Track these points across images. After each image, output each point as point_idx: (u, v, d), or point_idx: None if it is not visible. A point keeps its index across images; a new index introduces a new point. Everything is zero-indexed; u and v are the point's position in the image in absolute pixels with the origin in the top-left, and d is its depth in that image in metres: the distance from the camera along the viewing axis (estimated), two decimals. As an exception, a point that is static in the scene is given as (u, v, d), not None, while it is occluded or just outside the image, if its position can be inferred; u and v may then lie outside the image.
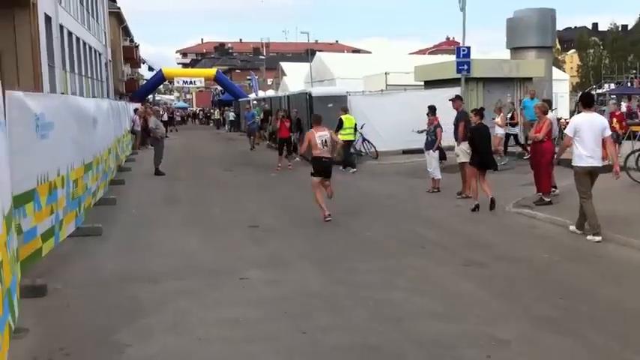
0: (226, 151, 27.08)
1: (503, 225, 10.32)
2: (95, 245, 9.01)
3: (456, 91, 20.37)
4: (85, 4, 34.57)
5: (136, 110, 28.27)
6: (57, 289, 6.78)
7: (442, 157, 14.59)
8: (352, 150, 20.03)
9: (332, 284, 7.06)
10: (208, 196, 14.07)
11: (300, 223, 10.73)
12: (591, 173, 9.10)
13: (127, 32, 60.18)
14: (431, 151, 14.04)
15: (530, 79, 21.63)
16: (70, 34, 28.70)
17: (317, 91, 21.81)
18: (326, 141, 11.39)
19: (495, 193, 13.11)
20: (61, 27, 26.25)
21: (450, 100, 14.50)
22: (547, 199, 11.73)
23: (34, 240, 7.08)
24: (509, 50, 24.69)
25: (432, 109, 14.40)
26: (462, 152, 13.27)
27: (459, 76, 20.54)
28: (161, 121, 39.99)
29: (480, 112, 12.49)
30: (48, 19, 23.64)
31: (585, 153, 8.97)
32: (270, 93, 51.03)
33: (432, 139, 14.06)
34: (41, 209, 7.39)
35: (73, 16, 29.88)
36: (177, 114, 64.61)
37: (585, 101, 9.62)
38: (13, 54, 20.41)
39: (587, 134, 8.99)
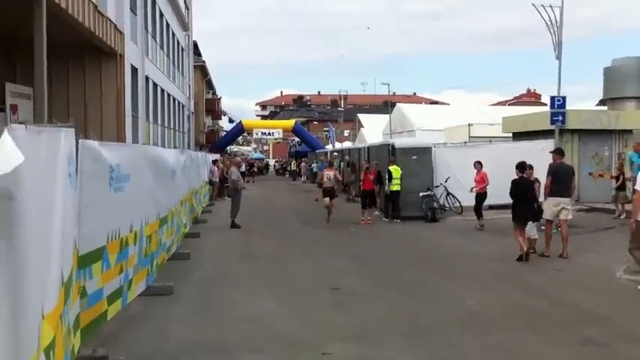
0: (304, 203, 26.51)
1: (615, 294, 9.09)
2: (165, 306, 8.36)
3: (549, 143, 19.26)
4: (171, 57, 35.39)
5: (215, 161, 28.26)
6: (120, 361, 6.10)
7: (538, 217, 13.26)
8: (435, 204, 19.11)
9: (429, 364, 6.12)
10: (286, 253, 13.35)
11: (385, 286, 9.82)
12: None
13: (209, 85, 61.74)
14: None
15: (630, 131, 20.14)
16: (155, 85, 29.21)
17: (400, 142, 21.04)
18: (330, 178, 19.05)
19: (604, 255, 11.93)
20: (147, 78, 26.69)
21: (550, 152, 13.64)
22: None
23: (99, 303, 6.48)
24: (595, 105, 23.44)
25: (528, 166, 13.36)
26: (545, 208, 12.52)
27: (552, 127, 19.40)
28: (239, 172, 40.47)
29: (521, 165, 12.38)
30: (134, 70, 24.04)
31: None
32: (347, 144, 50.76)
33: None
34: (110, 268, 6.80)
35: (159, 69, 30.48)
36: (255, 165, 65.20)
37: None
38: (98, 104, 20.69)
39: None
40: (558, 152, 13.28)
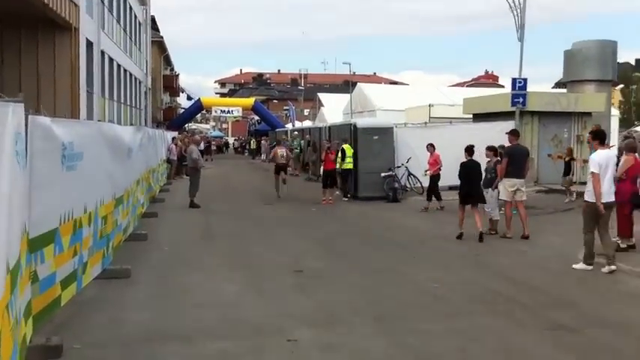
0: (264, 183, 26.17)
1: (580, 277, 9.09)
2: (122, 290, 8.03)
3: (509, 124, 19.32)
4: (128, 31, 34.42)
5: (173, 139, 27.69)
6: (74, 350, 5.78)
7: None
8: (396, 185, 19.04)
9: (397, 350, 5.96)
10: (247, 233, 13.08)
11: (349, 268, 9.65)
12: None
13: (167, 61, 60.53)
14: (490, 189, 12.94)
15: (589, 113, 20.37)
16: (111, 60, 28.38)
17: (362, 122, 20.82)
18: (283, 154, 20.32)
19: (565, 237, 11.99)
20: (103, 53, 25.90)
21: (506, 133, 13.61)
22: (623, 246, 10.57)
23: (52, 288, 6.14)
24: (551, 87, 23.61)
25: (491, 147, 13.36)
26: (502, 190, 12.67)
27: (512, 109, 19.45)
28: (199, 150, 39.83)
29: (469, 149, 12.84)
30: (90, 44, 23.26)
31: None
32: (308, 123, 50.44)
33: (492, 177, 12.96)
34: (63, 251, 6.46)
35: (115, 43, 29.60)
36: (214, 143, 64.38)
37: (598, 136, 9.88)
38: (51, 78, 19.97)
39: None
40: (514, 134, 13.40)
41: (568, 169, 17.62)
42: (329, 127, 25.92)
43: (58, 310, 6.35)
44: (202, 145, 44.90)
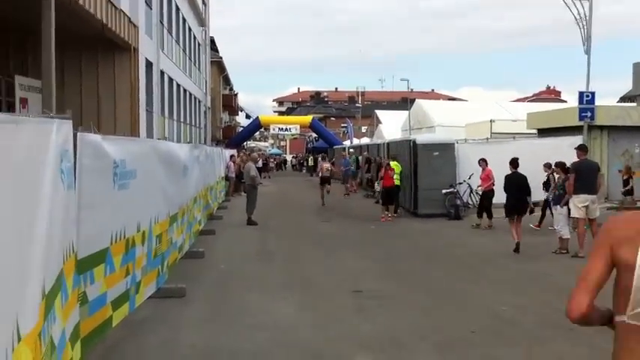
0: (321, 200, 25.87)
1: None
2: (176, 310, 7.80)
3: (577, 139, 18.49)
4: (187, 52, 34.93)
5: (232, 157, 27.77)
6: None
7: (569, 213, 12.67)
8: (458, 202, 18.45)
9: (465, 381, 5.50)
10: (304, 251, 12.78)
11: (410, 289, 9.20)
12: None
13: (226, 81, 61.38)
14: (558, 206, 12.31)
15: (661, 127, 19.33)
16: (170, 80, 28.73)
17: (422, 138, 20.33)
18: (328, 168, 23.87)
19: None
20: (162, 73, 26.22)
21: (575, 148, 13.00)
22: None
23: (102, 309, 5.94)
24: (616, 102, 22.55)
25: (560, 164, 12.75)
26: (573, 207, 12.08)
27: (580, 123, 18.63)
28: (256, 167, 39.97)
29: (514, 161, 13.25)
30: (149, 64, 23.57)
31: None
32: (365, 140, 50.13)
33: (561, 193, 12.33)
34: (114, 271, 6.26)
35: (175, 63, 30.00)
36: (272, 160, 64.72)
37: None
38: (111, 98, 20.23)
39: None
40: (581, 149, 12.80)
41: (629, 189, 16.49)
42: (387, 144, 25.49)
43: (110, 332, 6.15)
44: (260, 163, 45.17)
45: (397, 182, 19.05)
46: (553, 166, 12.92)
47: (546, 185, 15.45)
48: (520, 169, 16.25)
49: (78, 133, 5.37)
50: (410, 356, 6.14)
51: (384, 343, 6.58)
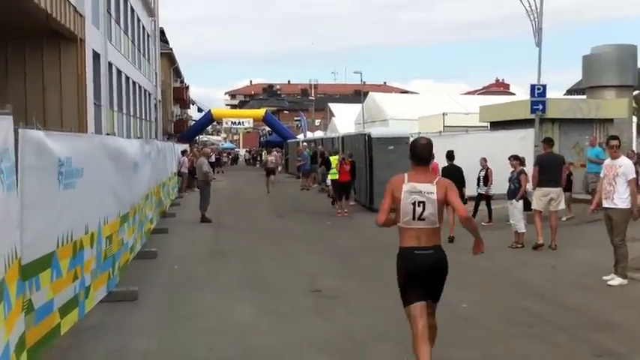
0: (276, 195, 25.65)
1: (617, 295, 8.44)
2: (127, 315, 7.47)
3: (529, 132, 18.72)
4: (136, 43, 34.07)
5: (184, 152, 27.23)
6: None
7: (527, 207, 12.72)
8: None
9: (429, 385, 5.35)
10: (260, 249, 12.52)
11: (369, 287, 9.05)
12: None
13: (177, 73, 60.34)
14: (514, 200, 12.35)
15: (611, 120, 19.67)
16: (119, 72, 27.96)
17: (377, 132, 20.22)
18: (272, 160, 27.52)
19: (595, 250, 11.35)
20: (110, 64, 25.47)
21: (542, 141, 13.25)
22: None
23: (49, 317, 5.60)
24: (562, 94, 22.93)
25: (514, 157, 12.79)
26: (535, 198, 12.23)
27: (531, 116, 18.82)
28: (210, 163, 39.40)
29: (450, 154, 14.37)
30: (96, 55, 22.85)
31: None
32: (319, 134, 49.98)
33: (516, 187, 12.37)
34: (61, 276, 5.92)
35: (123, 55, 29.21)
36: (225, 155, 64.01)
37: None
38: (57, 91, 19.54)
39: None
40: (547, 142, 12.87)
41: (569, 186, 16.32)
42: (342, 138, 25.36)
43: (57, 341, 5.80)
44: (213, 157, 44.61)
45: (335, 176, 19.60)
46: (509, 158, 12.89)
47: (485, 180, 15.49)
48: (474, 163, 16.42)
49: (19, 130, 5.02)
50: (371, 357, 5.98)
51: (345, 345, 6.41)
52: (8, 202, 4.36)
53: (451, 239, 12.31)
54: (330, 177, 21.17)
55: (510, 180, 12.59)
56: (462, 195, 12.42)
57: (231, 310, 7.76)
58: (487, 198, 15.56)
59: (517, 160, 12.72)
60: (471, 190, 15.40)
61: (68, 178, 6.06)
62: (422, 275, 5.22)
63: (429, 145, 5.11)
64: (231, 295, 8.55)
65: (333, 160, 20.46)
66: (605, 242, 11.61)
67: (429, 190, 4.93)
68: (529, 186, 12.65)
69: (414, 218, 4.96)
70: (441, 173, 13.13)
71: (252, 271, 10.30)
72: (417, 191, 4.92)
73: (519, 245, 12.16)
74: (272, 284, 9.28)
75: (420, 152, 5.06)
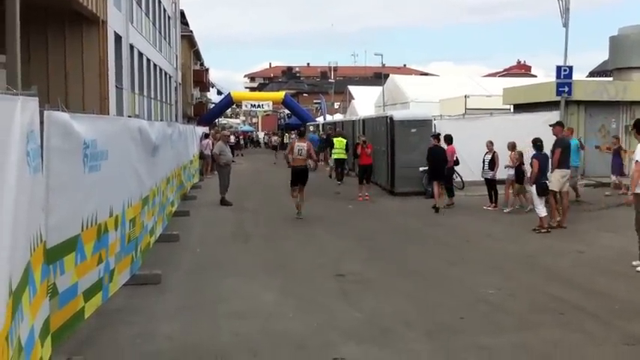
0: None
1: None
2: (151, 298, 7.45)
3: (554, 115, 18.40)
4: (157, 25, 34.00)
5: (207, 135, 27.19)
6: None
7: (541, 192, 12.19)
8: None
9: (458, 372, 5.27)
10: (282, 233, 12.46)
11: (394, 271, 8.97)
12: None
13: (197, 56, 60.23)
14: (527, 185, 12.20)
15: (638, 102, 19.29)
16: (140, 54, 27.92)
17: (399, 114, 19.98)
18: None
19: (623, 235, 11.14)
20: (132, 47, 25.42)
21: (550, 125, 13.15)
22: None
23: (73, 300, 5.57)
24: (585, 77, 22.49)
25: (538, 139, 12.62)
26: (554, 180, 12.34)
27: (556, 98, 18.52)
28: (229, 145, 39.39)
29: (436, 136, 16.03)
30: (118, 38, 22.80)
31: None
32: (339, 117, 49.74)
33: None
34: (85, 260, 5.88)
35: (144, 37, 29.15)
36: (247, 137, 63.94)
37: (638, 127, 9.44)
38: (79, 74, 19.54)
39: None
40: (561, 125, 13.15)
41: (521, 178, 14.94)
42: (363, 120, 25.15)
43: (82, 325, 5.78)
44: (232, 140, 44.60)
45: (343, 156, 22.77)
46: (531, 142, 12.69)
47: (490, 164, 15.25)
48: (497, 146, 16.15)
49: (45, 112, 4.96)
50: (398, 345, 5.89)
51: (371, 330, 6.32)
52: (34, 184, 4.29)
53: (436, 209, 14.71)
54: (334, 156, 23.50)
55: (531, 164, 12.43)
56: (442, 173, 15.36)
57: (255, 295, 7.70)
58: (492, 182, 15.26)
59: (540, 143, 12.53)
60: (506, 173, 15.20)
61: (93, 160, 6.01)
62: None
63: None
64: (255, 279, 8.50)
65: (337, 141, 22.97)
66: (631, 227, 11.41)
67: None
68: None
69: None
70: (427, 153, 15.61)
71: (275, 255, 10.24)
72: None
73: (544, 230, 11.96)
74: (296, 268, 9.21)
75: None
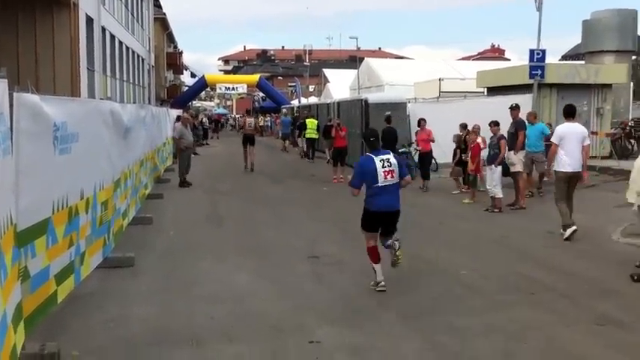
0: (271, 161, 25.53)
1: (618, 261, 8.38)
2: (125, 281, 7.41)
3: (527, 98, 18.54)
4: (129, 7, 33.46)
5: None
6: (73, 357, 5.16)
7: (505, 172, 12.76)
8: (411, 162, 18.31)
9: (433, 353, 5.32)
10: (256, 215, 12.44)
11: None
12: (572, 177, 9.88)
13: (170, 38, 59.48)
14: (493, 166, 12.35)
15: (609, 85, 19.53)
16: (112, 37, 27.49)
17: (374, 97, 20.05)
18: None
19: (592, 215, 11.36)
20: (104, 29, 25.03)
21: (509, 108, 13.58)
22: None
23: (45, 284, 5.50)
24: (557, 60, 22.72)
25: (494, 122, 12.75)
26: (519, 161, 12.89)
27: (529, 82, 18.66)
28: (203, 128, 39.02)
29: (388, 118, 16.53)
30: (90, 20, 22.40)
31: (568, 160, 9.70)
32: (314, 100, 49.64)
33: (495, 153, 12.35)
34: (57, 242, 5.81)
35: (116, 19, 28.70)
36: (224, 119, 63.52)
37: (567, 111, 10.28)
38: (50, 56, 19.18)
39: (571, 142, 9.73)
40: (518, 108, 13.62)
41: (460, 161, 15.22)
42: (338, 103, 25.14)
43: (55, 309, 5.73)
44: (207, 123, 44.26)
45: (315, 136, 25.34)
46: (489, 124, 12.80)
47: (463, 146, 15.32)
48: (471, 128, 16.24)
49: (14, 94, 4.87)
50: (372, 326, 5.93)
51: (345, 312, 6.36)
52: (3, 167, 4.23)
53: None
54: (306, 136, 25.77)
55: (490, 146, 12.59)
56: (395, 149, 14.64)
57: (229, 277, 7.70)
58: (466, 164, 15.27)
59: (497, 125, 12.63)
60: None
61: (63, 142, 5.91)
62: None
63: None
64: (229, 262, 8.49)
65: (309, 122, 25.74)
66: (601, 208, 11.65)
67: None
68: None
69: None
70: (381, 134, 14.32)
71: (249, 238, 10.23)
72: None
73: (497, 210, 12.20)
74: (270, 250, 9.22)
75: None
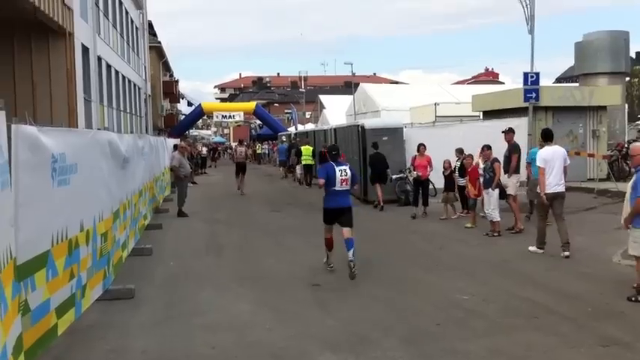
0: (269, 189, 25.53)
1: (620, 283, 8.36)
2: (125, 313, 7.35)
3: (522, 121, 18.63)
4: (125, 36, 33.68)
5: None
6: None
7: (502, 196, 12.73)
8: (408, 187, 18.31)
9: (436, 379, 5.28)
10: (256, 243, 12.40)
11: (370, 280, 8.96)
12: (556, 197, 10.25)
13: (166, 67, 59.86)
14: (490, 189, 12.34)
15: (604, 107, 19.64)
16: (108, 66, 27.63)
17: (370, 123, 20.08)
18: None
19: (593, 238, 11.36)
20: (100, 59, 25.14)
21: (503, 132, 13.55)
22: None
23: (45, 317, 5.47)
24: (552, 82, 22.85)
25: (486, 146, 12.77)
26: (512, 185, 13.01)
27: (524, 105, 18.76)
28: (200, 157, 39.03)
29: (375, 144, 17.50)
30: (85, 50, 22.53)
31: (553, 180, 10.12)
32: (310, 126, 49.81)
33: (490, 177, 12.35)
34: (57, 275, 5.79)
35: (112, 49, 28.86)
36: (222, 148, 63.62)
37: (547, 134, 10.74)
38: (47, 86, 19.24)
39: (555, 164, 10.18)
40: (513, 132, 13.60)
41: (452, 185, 15.57)
42: (335, 130, 25.20)
43: (55, 341, 5.68)
44: (205, 151, 44.35)
45: (311, 162, 25.75)
46: (482, 148, 12.84)
47: (460, 171, 15.34)
48: (469, 152, 16.30)
49: (12, 125, 4.88)
50: (375, 353, 5.88)
51: (348, 339, 6.31)
52: (2, 199, 4.22)
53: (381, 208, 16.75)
54: (303, 162, 26.18)
55: (485, 170, 12.58)
56: (385, 176, 17.23)
57: (231, 306, 7.65)
58: (464, 188, 15.24)
59: (489, 149, 12.65)
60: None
61: (62, 174, 5.92)
62: None
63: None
64: (230, 291, 8.44)
65: (304, 149, 26.13)
66: (601, 230, 11.64)
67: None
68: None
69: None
70: (369, 159, 17.25)
71: (249, 266, 10.18)
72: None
73: (496, 234, 12.18)
74: (271, 279, 9.17)
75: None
